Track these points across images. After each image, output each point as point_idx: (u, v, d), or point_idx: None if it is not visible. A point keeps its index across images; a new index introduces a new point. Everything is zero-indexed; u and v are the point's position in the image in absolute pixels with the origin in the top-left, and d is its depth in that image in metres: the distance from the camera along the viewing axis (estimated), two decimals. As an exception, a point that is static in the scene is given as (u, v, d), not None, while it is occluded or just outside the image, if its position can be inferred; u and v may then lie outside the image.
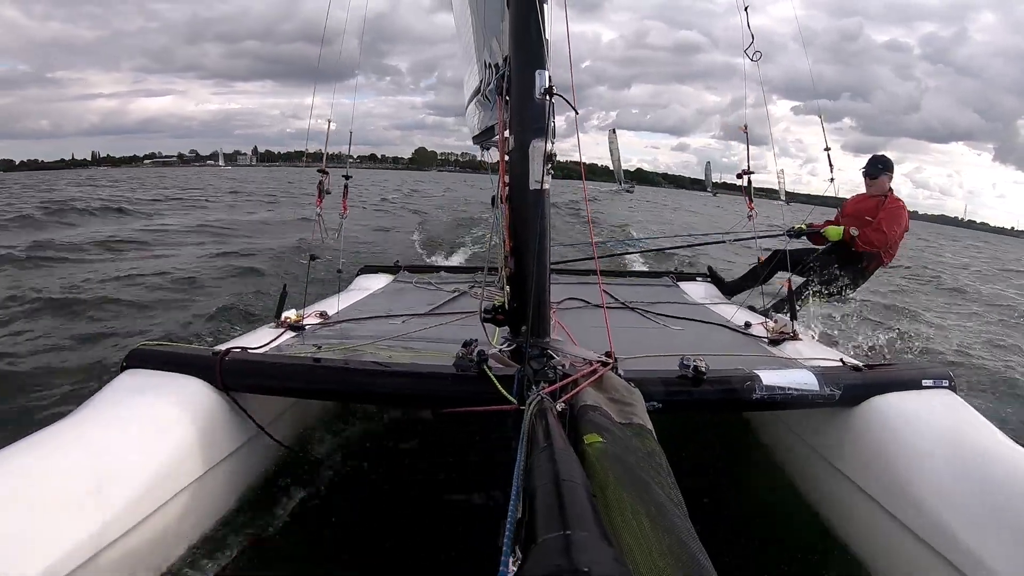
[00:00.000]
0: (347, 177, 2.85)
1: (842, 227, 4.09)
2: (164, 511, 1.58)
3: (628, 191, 45.46)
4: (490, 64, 2.18)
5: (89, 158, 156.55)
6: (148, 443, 1.60)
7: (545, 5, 1.80)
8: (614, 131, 45.46)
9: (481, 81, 2.47)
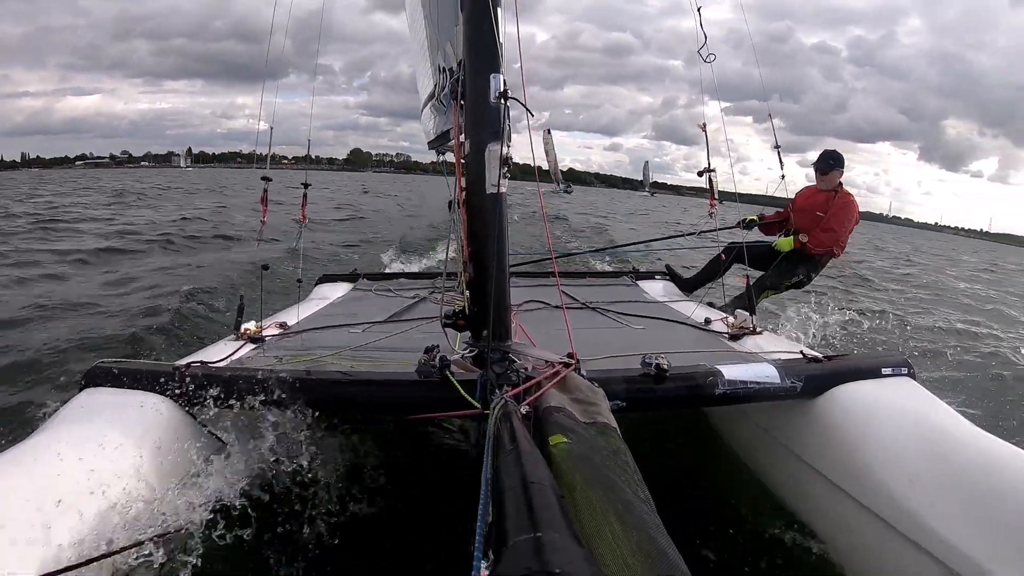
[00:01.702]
0: (305, 186, 2.80)
1: (791, 237, 4.16)
2: (128, 531, 1.51)
3: (566, 191, 45.37)
4: (444, 68, 2.16)
5: (19, 160, 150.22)
6: (109, 462, 1.54)
7: (499, 8, 1.80)
8: (549, 131, 45.34)
9: (435, 85, 2.46)
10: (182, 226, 11.56)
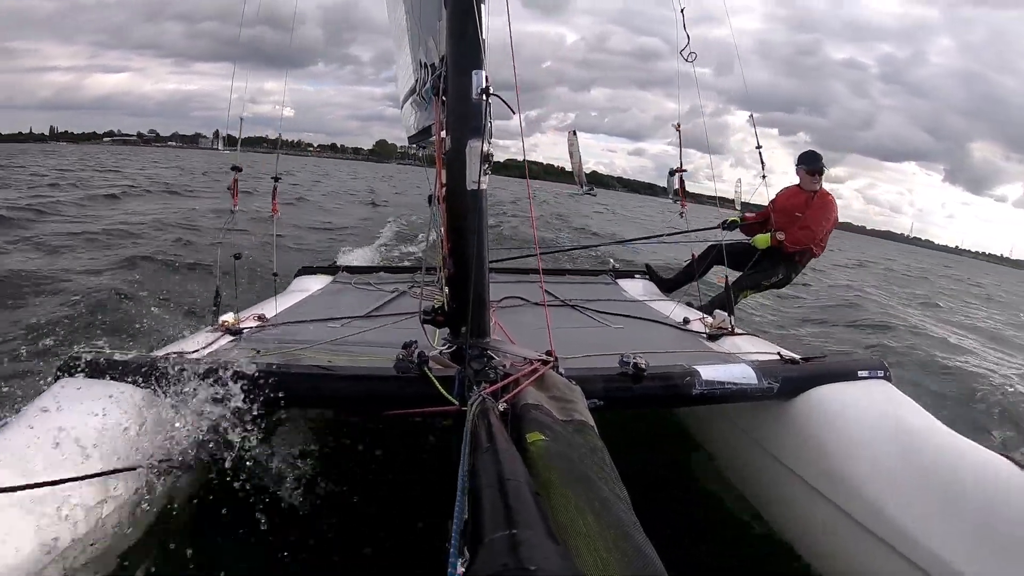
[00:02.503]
0: (276, 179, 2.79)
1: (768, 235, 4.18)
2: (103, 524, 1.49)
3: (590, 194, 45.17)
4: (426, 64, 2.15)
5: (47, 133, 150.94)
6: (84, 453, 1.52)
7: (483, 5, 1.80)
8: (574, 132, 45.04)
9: (417, 80, 2.44)
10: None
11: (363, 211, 16.43)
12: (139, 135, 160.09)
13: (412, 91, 2.64)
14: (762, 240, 4.20)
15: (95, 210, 10.91)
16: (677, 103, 3.38)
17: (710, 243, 4.35)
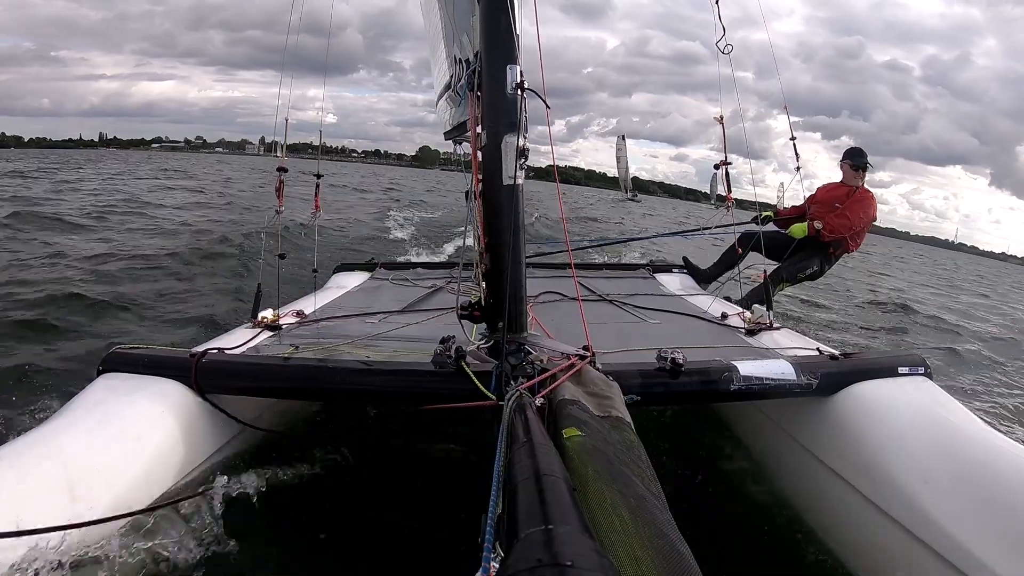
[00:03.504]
0: (318, 177, 2.85)
1: (806, 224, 4.17)
2: (144, 516, 1.55)
3: (634, 200, 44.43)
4: (460, 59, 2.16)
5: (96, 139, 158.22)
6: (126, 448, 1.58)
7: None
8: (623, 138, 44.51)
9: (451, 76, 2.45)
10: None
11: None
12: (186, 141, 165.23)
13: (447, 87, 2.65)
14: (798, 230, 4.20)
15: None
16: (719, 96, 3.31)
17: (744, 232, 4.29)
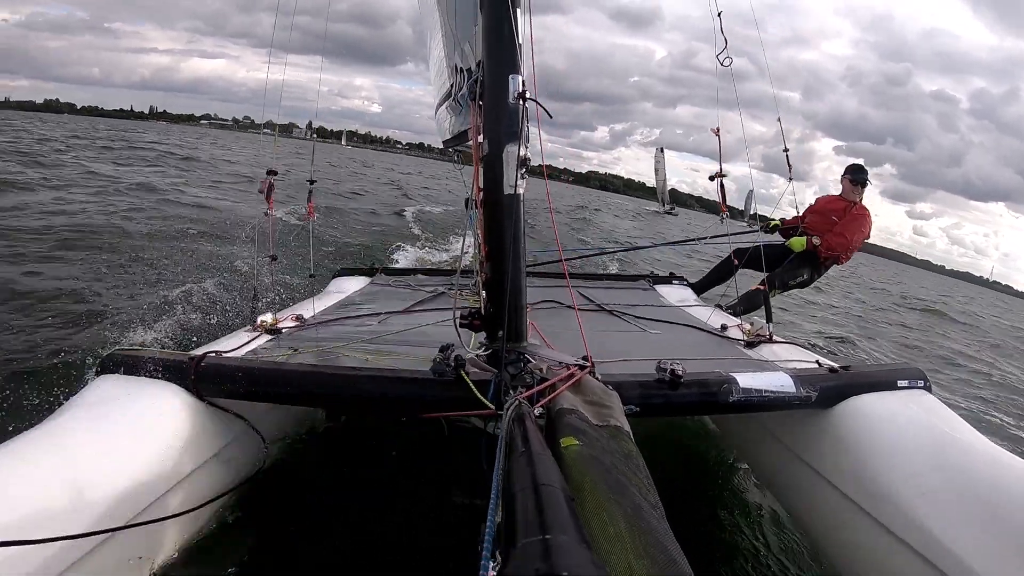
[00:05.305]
0: (311, 182, 2.85)
1: (804, 238, 4.30)
2: (142, 518, 1.53)
3: (671, 213, 43.78)
4: (461, 68, 2.17)
5: (147, 111, 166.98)
6: (124, 449, 1.57)
7: (519, 9, 1.80)
8: (662, 150, 44.41)
9: (452, 85, 2.46)
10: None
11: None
12: (234, 120, 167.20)
13: (447, 96, 2.67)
14: (798, 243, 4.31)
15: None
16: (716, 108, 3.32)
17: (741, 246, 4.40)
